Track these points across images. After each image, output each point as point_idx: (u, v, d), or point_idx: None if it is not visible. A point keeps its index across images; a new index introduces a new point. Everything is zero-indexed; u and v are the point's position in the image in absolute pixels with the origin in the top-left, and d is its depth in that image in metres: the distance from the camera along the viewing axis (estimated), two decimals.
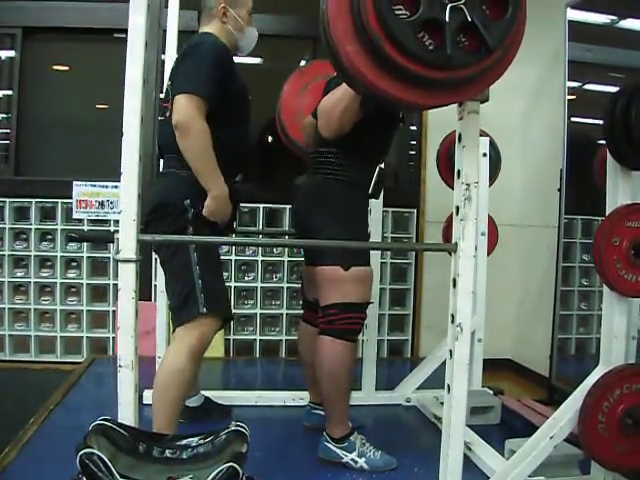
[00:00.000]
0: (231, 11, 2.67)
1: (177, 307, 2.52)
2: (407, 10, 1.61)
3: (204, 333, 2.46)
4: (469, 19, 1.61)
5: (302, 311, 3.06)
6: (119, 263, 1.95)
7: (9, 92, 4.79)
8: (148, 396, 3.16)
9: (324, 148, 2.69)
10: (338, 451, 2.63)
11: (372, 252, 3.39)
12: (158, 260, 2.69)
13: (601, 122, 2.23)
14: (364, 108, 2.47)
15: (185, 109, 2.34)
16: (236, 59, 2.69)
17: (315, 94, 2.79)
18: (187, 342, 2.43)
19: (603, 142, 2.27)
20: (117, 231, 1.96)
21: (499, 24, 1.66)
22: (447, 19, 1.59)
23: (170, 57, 3.26)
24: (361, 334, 2.79)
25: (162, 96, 2.65)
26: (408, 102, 1.77)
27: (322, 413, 2.95)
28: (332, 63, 1.83)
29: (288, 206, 4.56)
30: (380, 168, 2.71)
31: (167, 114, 2.54)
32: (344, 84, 2.28)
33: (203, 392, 3.15)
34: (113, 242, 1.97)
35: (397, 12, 1.60)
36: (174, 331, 2.53)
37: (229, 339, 4.69)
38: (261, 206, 4.64)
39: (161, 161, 2.78)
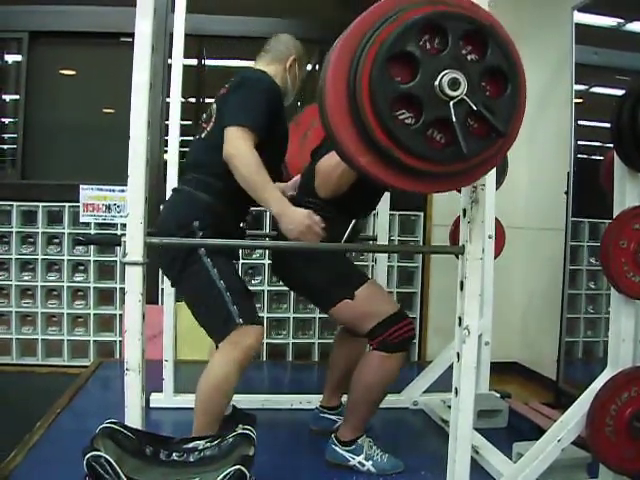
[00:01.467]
0: (296, 67, 2.75)
1: (212, 325, 2.47)
2: (410, 113, 1.60)
3: (250, 346, 2.39)
4: (474, 108, 1.60)
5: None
6: (126, 266, 1.95)
7: (16, 96, 4.82)
8: (155, 399, 3.18)
9: (304, 196, 2.68)
10: (345, 454, 2.62)
11: (379, 255, 3.40)
12: (173, 286, 2.69)
13: (608, 125, 2.23)
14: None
15: (238, 141, 2.34)
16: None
17: (317, 140, 2.80)
18: (233, 356, 2.37)
19: (610, 145, 2.27)
20: (124, 234, 1.97)
21: (503, 104, 1.65)
22: (453, 117, 1.58)
23: (177, 61, 3.26)
24: None
25: (204, 117, 2.66)
26: (431, 192, 1.80)
27: (331, 417, 2.95)
28: (348, 165, 1.84)
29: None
30: (355, 222, 2.71)
31: (203, 135, 2.58)
32: None
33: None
34: (120, 245, 1.98)
35: (401, 117, 1.59)
36: (217, 347, 2.48)
37: None
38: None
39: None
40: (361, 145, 1.64)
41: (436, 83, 1.58)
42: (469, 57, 1.63)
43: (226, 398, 2.43)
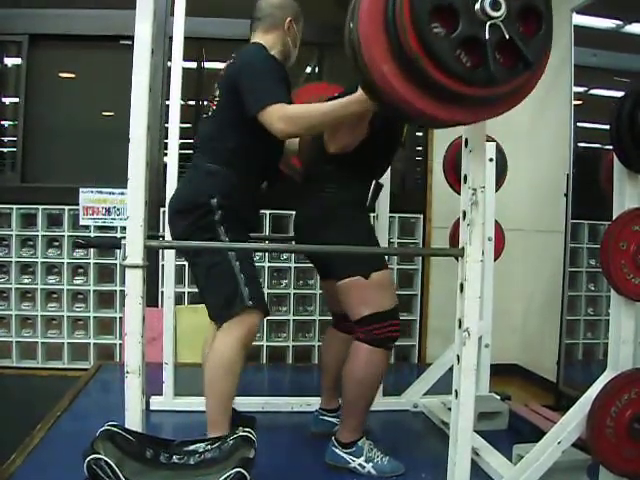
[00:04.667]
0: (295, 27, 2.74)
1: (221, 304, 2.49)
2: (443, 28, 1.57)
3: (253, 324, 2.47)
4: (507, 36, 1.59)
5: (331, 319, 3.05)
6: (126, 269, 1.95)
7: (16, 99, 4.82)
8: (155, 402, 3.18)
9: (320, 166, 2.70)
10: (346, 456, 2.62)
11: None
12: (187, 262, 2.70)
13: (608, 127, 2.23)
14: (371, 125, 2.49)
15: (278, 118, 2.34)
16: None
17: None
18: (237, 334, 2.43)
19: (609, 147, 2.27)
20: (124, 237, 1.97)
21: (535, 40, 1.64)
22: (487, 36, 1.57)
23: (176, 64, 3.27)
24: None
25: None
26: (446, 120, 1.74)
27: (331, 420, 2.95)
28: (362, 84, 1.81)
29: (293, 212, 4.60)
30: (376, 182, 2.71)
31: (210, 112, 2.64)
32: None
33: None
34: (120, 248, 1.98)
35: (435, 30, 1.57)
36: (219, 328, 2.51)
37: None
38: (267, 212, 4.65)
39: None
40: (387, 52, 1.61)
41: (478, 1, 1.56)
42: None
43: (234, 377, 2.45)
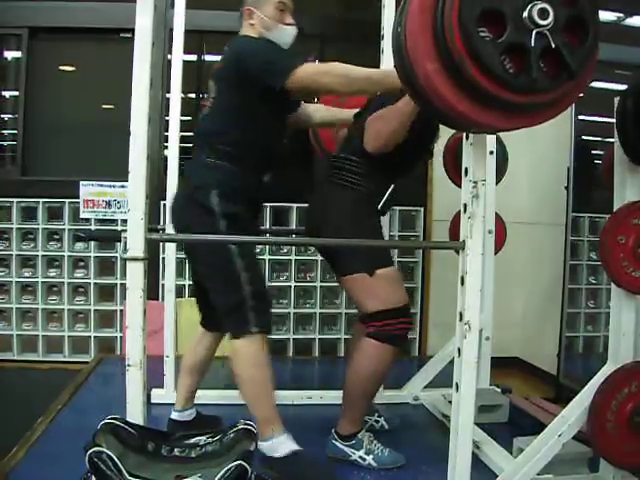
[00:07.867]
0: (256, 12, 2.59)
1: (226, 315, 2.49)
2: (491, 33, 1.58)
3: (260, 345, 2.44)
4: (552, 45, 1.59)
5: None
6: (127, 262, 1.95)
7: (15, 93, 4.82)
8: (156, 395, 3.18)
9: (346, 155, 2.67)
10: (346, 449, 2.63)
11: None
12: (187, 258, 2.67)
13: (609, 119, 2.23)
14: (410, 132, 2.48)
15: (318, 72, 2.31)
16: None
17: (355, 101, 2.80)
18: (248, 352, 2.44)
19: (611, 140, 2.26)
20: (124, 230, 1.97)
21: (580, 51, 1.63)
22: (533, 44, 1.57)
23: (177, 57, 3.26)
24: None
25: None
26: (484, 125, 1.74)
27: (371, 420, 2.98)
28: (405, 83, 1.81)
29: (295, 205, 4.60)
30: (393, 187, 2.70)
31: (206, 111, 2.60)
32: (397, 105, 2.29)
33: (212, 391, 3.16)
34: (121, 241, 1.97)
35: (481, 34, 1.57)
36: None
37: None
38: (268, 205, 4.64)
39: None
40: (433, 52, 1.61)
41: (527, 9, 1.57)
42: None
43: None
